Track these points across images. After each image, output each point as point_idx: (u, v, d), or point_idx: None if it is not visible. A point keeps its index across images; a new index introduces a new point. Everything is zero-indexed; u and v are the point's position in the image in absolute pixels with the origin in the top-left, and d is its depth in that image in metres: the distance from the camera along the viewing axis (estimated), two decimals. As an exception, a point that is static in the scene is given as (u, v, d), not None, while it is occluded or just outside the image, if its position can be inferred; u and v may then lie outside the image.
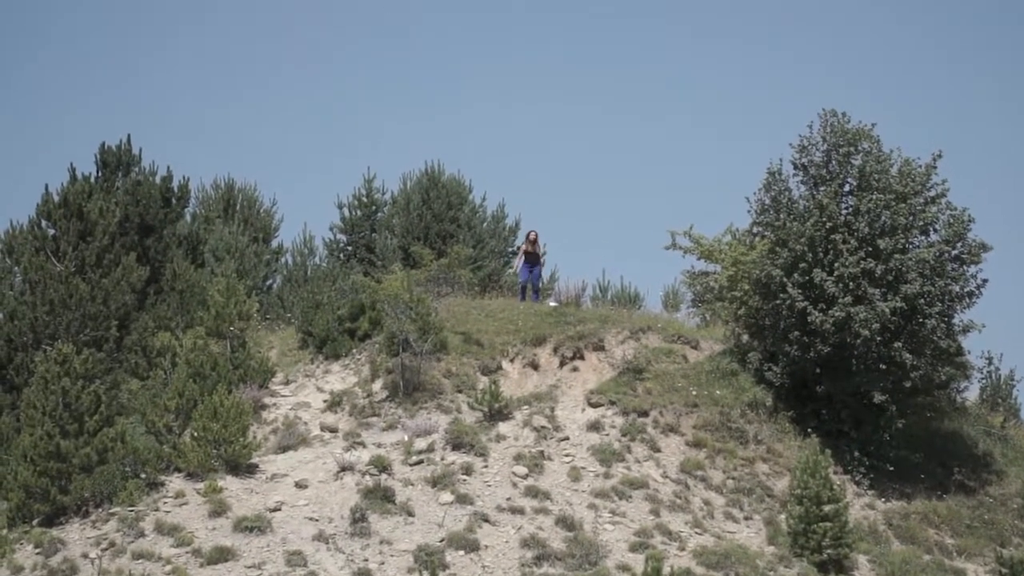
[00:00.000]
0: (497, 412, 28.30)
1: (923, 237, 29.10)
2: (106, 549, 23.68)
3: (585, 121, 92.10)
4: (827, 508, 25.03)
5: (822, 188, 29.22)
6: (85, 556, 23.61)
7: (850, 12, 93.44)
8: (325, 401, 29.65)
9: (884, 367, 28.03)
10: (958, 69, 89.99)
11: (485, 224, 42.46)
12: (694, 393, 29.40)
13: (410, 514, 25.03)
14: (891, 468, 28.33)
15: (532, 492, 26.00)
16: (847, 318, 27.82)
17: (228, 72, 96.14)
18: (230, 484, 25.61)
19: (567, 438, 28.00)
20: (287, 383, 30.86)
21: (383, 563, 23.66)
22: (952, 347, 28.99)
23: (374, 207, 43.96)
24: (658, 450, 27.89)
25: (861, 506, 27.53)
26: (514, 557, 24.13)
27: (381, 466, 26.26)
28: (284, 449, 27.50)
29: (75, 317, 30.51)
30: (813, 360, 28.43)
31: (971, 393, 31.79)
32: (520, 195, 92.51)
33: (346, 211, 43.81)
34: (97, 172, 35.49)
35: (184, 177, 37.12)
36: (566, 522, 25.15)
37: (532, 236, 34.65)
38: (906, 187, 28.87)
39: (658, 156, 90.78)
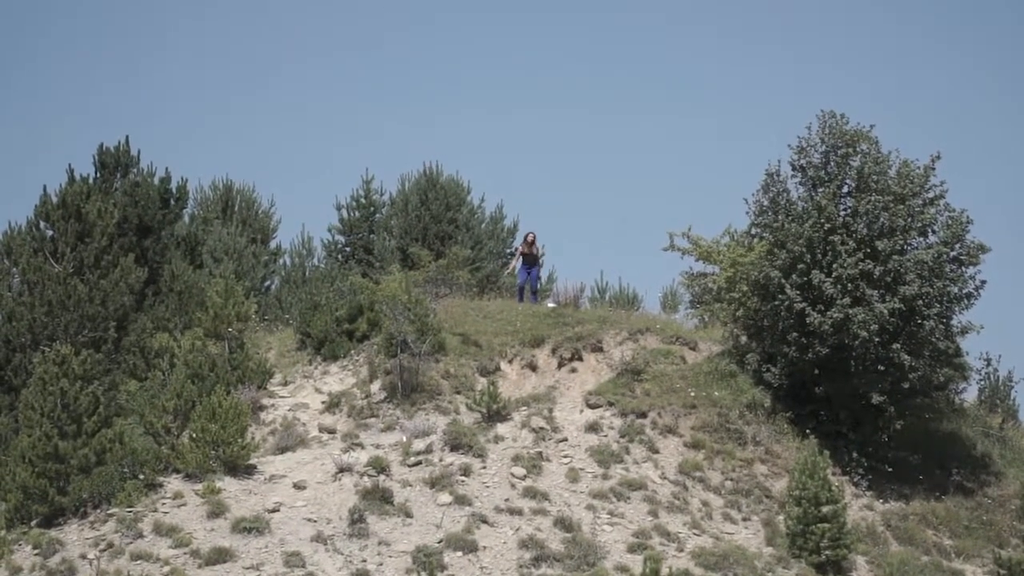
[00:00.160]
0: (495, 413, 28.28)
1: (922, 238, 29.06)
2: (104, 550, 23.67)
3: (584, 122, 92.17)
4: (825, 509, 25.03)
5: (820, 189, 29.19)
6: (83, 557, 23.60)
7: (850, 12, 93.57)
8: (323, 402, 29.62)
9: (882, 368, 28.00)
10: (958, 69, 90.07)
11: (483, 225, 42.49)
12: (692, 394, 29.38)
13: (408, 515, 25.02)
14: (889, 469, 28.31)
15: (530, 493, 25.99)
16: (845, 319, 27.80)
17: (227, 73, 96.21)
18: (228, 485, 25.59)
19: (565, 439, 27.98)
20: (285, 384, 30.83)
21: (381, 564, 23.65)
22: (951, 348, 28.94)
23: (372, 208, 43.96)
24: (656, 451, 27.88)
25: (859, 507, 27.52)
26: (512, 558, 24.13)
27: (379, 467, 26.25)
28: (282, 450, 27.48)
29: (73, 318, 30.47)
30: (811, 361, 28.41)
31: (969, 394, 31.83)
32: (518, 196, 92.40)
33: (344, 212, 43.82)
34: (95, 173, 35.36)
35: (182, 178, 37.07)
36: (564, 523, 25.14)
37: (530, 237, 34.62)
38: (905, 188, 28.85)
39: (657, 157, 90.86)
